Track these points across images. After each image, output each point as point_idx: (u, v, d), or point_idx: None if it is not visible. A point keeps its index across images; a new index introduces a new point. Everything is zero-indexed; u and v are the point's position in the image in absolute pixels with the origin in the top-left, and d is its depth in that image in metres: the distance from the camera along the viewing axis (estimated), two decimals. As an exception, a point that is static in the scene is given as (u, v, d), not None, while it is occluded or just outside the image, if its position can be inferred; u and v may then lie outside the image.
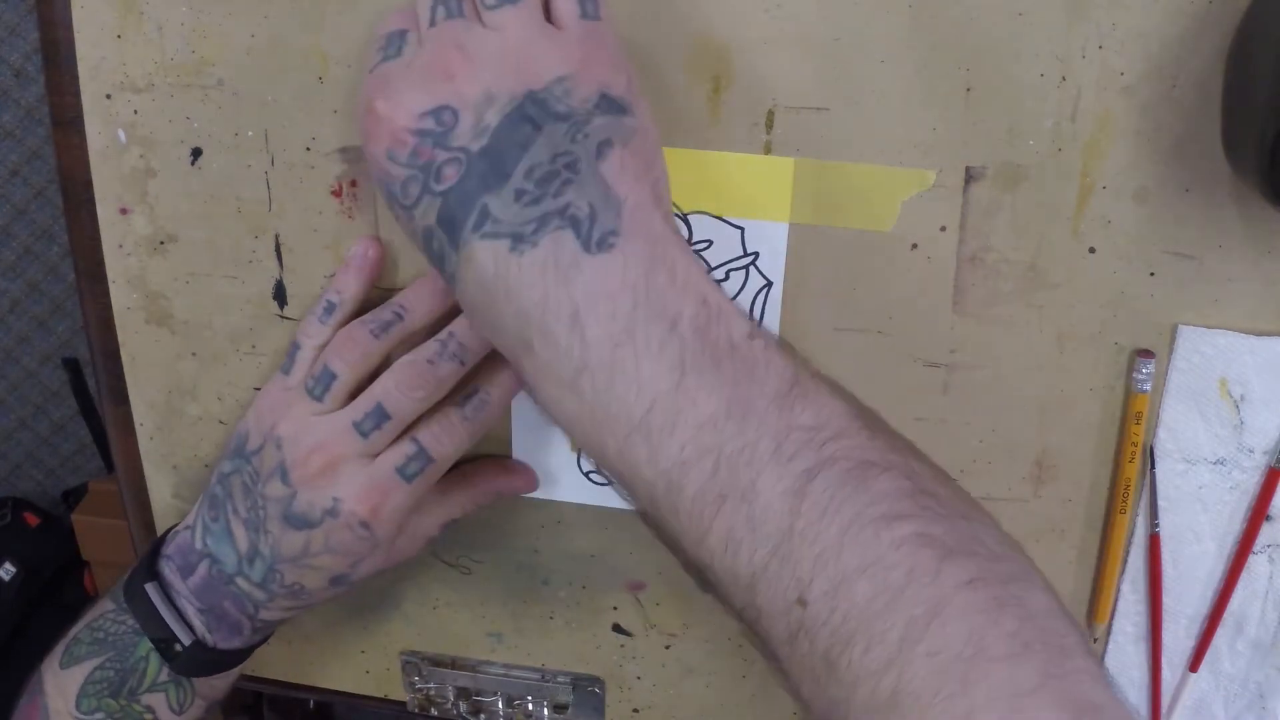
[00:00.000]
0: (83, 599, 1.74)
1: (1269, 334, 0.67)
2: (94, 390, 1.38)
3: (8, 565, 1.68)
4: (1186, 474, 0.71)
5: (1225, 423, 0.69)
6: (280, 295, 0.74)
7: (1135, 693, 0.78)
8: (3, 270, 1.70)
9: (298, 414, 0.66)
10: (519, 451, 0.76)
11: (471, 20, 0.56)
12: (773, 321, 0.70)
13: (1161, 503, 0.71)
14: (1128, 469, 0.70)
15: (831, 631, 0.47)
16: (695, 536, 0.52)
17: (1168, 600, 0.74)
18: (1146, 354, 0.68)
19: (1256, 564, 0.72)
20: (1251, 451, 0.70)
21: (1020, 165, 0.65)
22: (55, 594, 1.74)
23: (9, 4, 1.53)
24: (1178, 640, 0.76)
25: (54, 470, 1.92)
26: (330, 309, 0.68)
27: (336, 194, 0.71)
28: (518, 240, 0.52)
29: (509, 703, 0.85)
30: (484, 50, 0.54)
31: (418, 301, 0.68)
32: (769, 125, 0.66)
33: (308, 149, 0.70)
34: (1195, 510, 0.72)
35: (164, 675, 0.70)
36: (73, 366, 1.70)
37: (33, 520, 1.76)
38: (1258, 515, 0.71)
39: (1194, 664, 0.76)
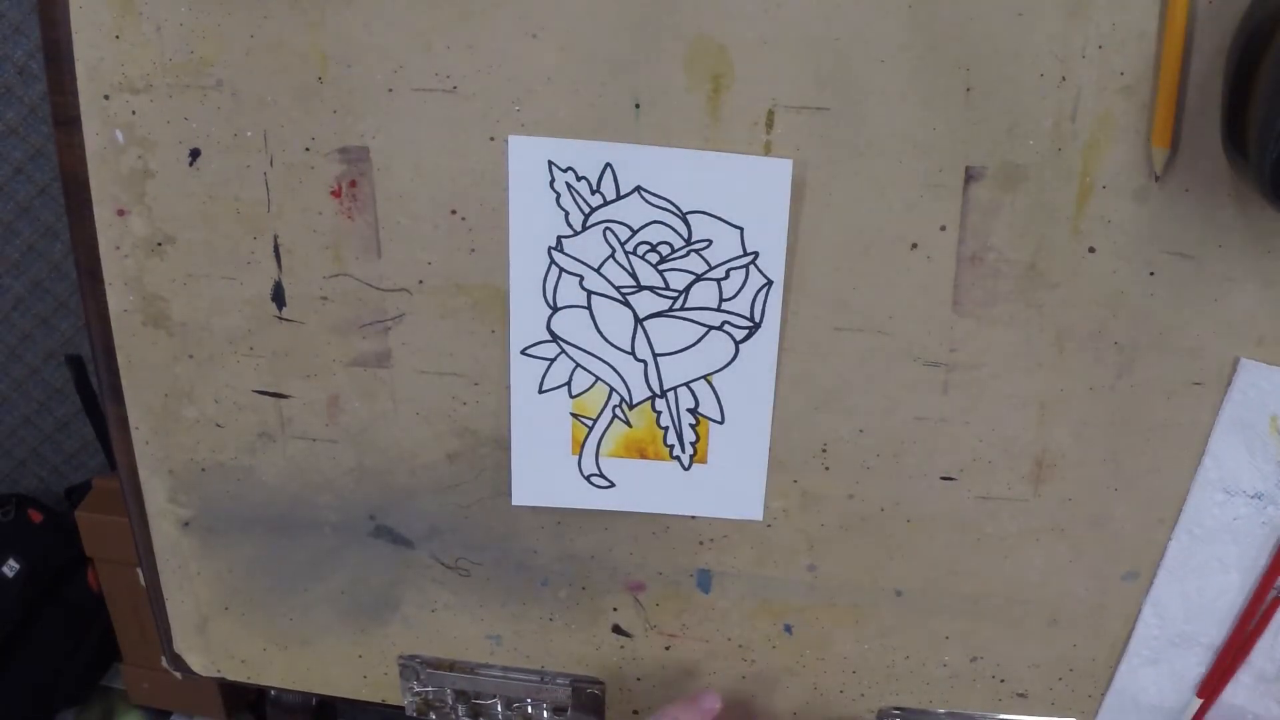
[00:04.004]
0: (86, 596, 1.74)
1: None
2: (97, 387, 1.38)
3: (11, 562, 1.68)
4: (1225, 505, 0.71)
5: (1270, 459, 0.69)
6: (279, 296, 0.74)
7: (1138, 713, 0.78)
8: (6, 267, 1.70)
9: None
10: (518, 453, 0.76)
11: None
12: (773, 321, 0.70)
13: (1195, 530, 0.72)
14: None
15: None
16: None
17: (1188, 627, 0.74)
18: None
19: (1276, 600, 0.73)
20: None
21: (1020, 165, 0.65)
22: (58, 591, 1.74)
23: (12, 1, 1.53)
24: (1189, 667, 0.76)
25: (57, 467, 1.92)
26: None
27: (336, 194, 0.71)
28: None
29: (508, 705, 0.85)
30: None
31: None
32: (769, 125, 0.66)
33: (307, 149, 0.70)
34: (1226, 541, 0.72)
35: None
36: (76, 364, 1.69)
37: (36, 517, 1.76)
38: (1284, 552, 0.71)
39: (1201, 689, 0.76)
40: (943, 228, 0.67)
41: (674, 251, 0.69)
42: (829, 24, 0.63)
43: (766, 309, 0.70)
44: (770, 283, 0.69)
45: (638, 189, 0.68)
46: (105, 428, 0.82)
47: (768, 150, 0.66)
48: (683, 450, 0.75)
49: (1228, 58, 0.60)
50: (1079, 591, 0.76)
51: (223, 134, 0.70)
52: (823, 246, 0.68)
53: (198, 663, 0.89)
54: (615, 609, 0.81)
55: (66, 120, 0.71)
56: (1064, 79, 0.62)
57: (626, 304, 0.71)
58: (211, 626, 0.87)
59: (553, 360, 0.73)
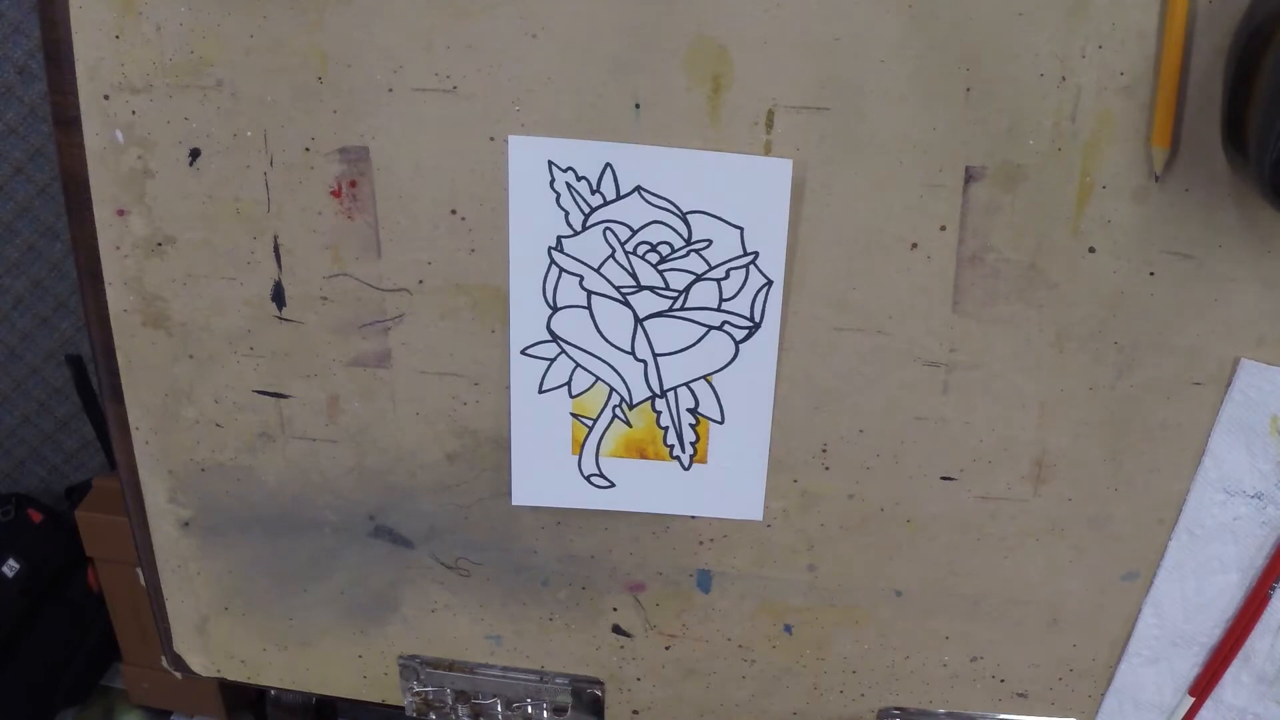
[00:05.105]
0: (86, 596, 1.74)
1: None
2: (97, 387, 1.38)
3: (11, 562, 1.68)
4: (1225, 505, 0.71)
5: (1270, 459, 0.69)
6: (279, 297, 0.74)
7: (1138, 713, 0.78)
8: (6, 267, 1.70)
9: None
10: (519, 453, 0.76)
11: None
12: (773, 321, 0.70)
13: (1195, 530, 0.72)
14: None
15: None
16: None
17: (1187, 627, 0.74)
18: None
19: (1271, 598, 0.73)
20: None
21: (1020, 165, 0.65)
22: (58, 590, 1.74)
23: (12, 1, 1.53)
24: (1189, 667, 0.76)
25: (57, 467, 1.92)
26: None
27: (336, 194, 0.71)
28: None
29: (508, 705, 0.85)
30: None
31: None
32: (769, 125, 0.66)
33: (307, 149, 0.70)
34: (1226, 540, 0.72)
35: None
36: (76, 363, 1.69)
37: (36, 516, 1.76)
38: (1282, 551, 0.71)
39: (1193, 688, 0.76)
40: (943, 228, 0.67)
41: (674, 251, 0.69)
42: (829, 24, 0.63)
43: (766, 309, 0.70)
44: (770, 283, 0.69)
45: (638, 189, 0.68)
46: (105, 428, 0.82)
47: (768, 150, 0.66)
48: (683, 450, 0.75)
49: (1228, 58, 0.60)
50: (1079, 591, 0.76)
51: (223, 134, 0.70)
52: (823, 246, 0.68)
53: (198, 663, 0.89)
54: (615, 609, 0.81)
55: (66, 120, 0.71)
56: (1064, 79, 0.62)
57: (626, 304, 0.71)
58: (211, 626, 0.87)
59: (553, 360, 0.73)
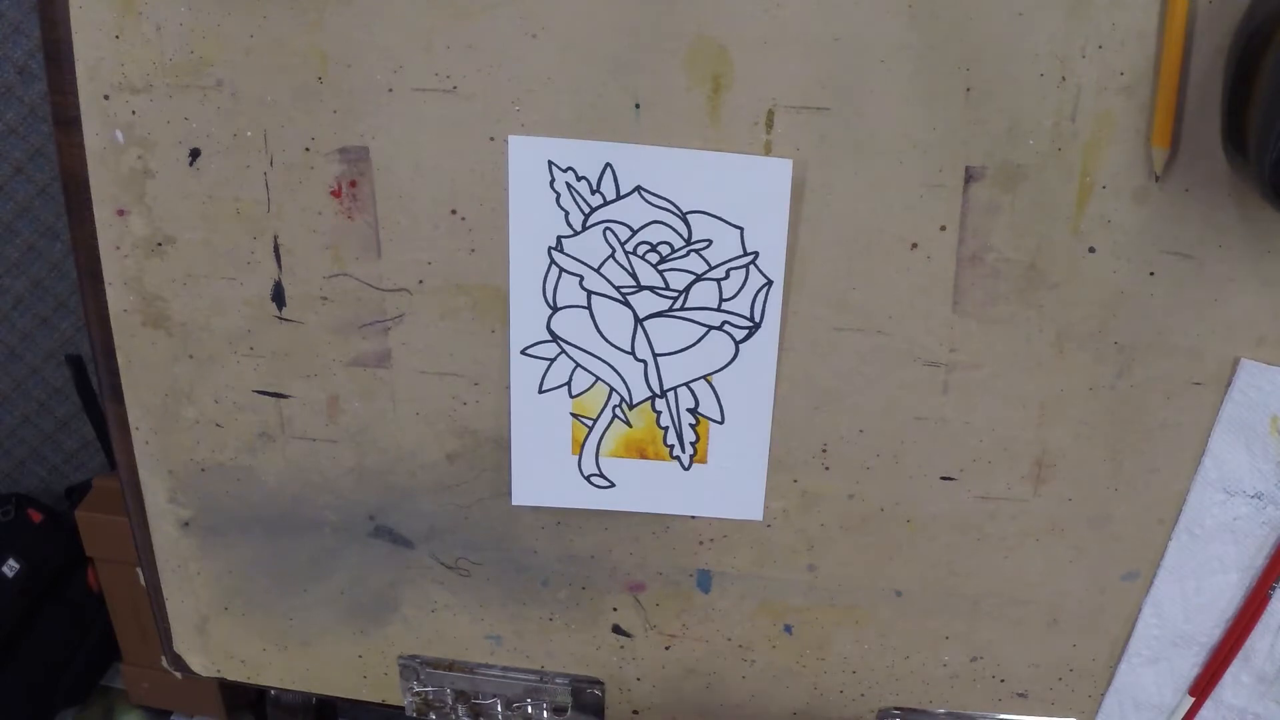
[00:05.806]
0: (86, 596, 1.74)
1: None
2: (97, 387, 1.38)
3: (11, 562, 1.68)
4: (1225, 505, 0.71)
5: (1270, 459, 0.69)
6: (279, 297, 0.74)
7: (1138, 713, 0.78)
8: (6, 267, 1.70)
9: None
10: (519, 453, 0.76)
11: None
12: (773, 321, 0.70)
13: (1195, 530, 0.71)
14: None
15: None
16: None
17: (1187, 627, 0.74)
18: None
19: (1271, 598, 0.73)
20: None
21: (1020, 165, 0.65)
22: (58, 590, 1.74)
23: (12, 1, 1.53)
24: (1189, 667, 0.76)
25: (57, 467, 1.92)
26: None
27: (336, 194, 0.71)
28: None
29: (508, 705, 0.85)
30: None
31: None
32: (769, 125, 0.66)
33: (307, 149, 0.70)
34: (1226, 540, 0.72)
35: None
36: (76, 363, 1.69)
37: (36, 516, 1.76)
38: (1282, 551, 0.71)
39: (1193, 688, 0.76)
40: (943, 228, 0.67)
41: (674, 251, 0.69)
42: (829, 24, 0.63)
43: (766, 309, 0.70)
44: (770, 283, 0.69)
45: (638, 189, 0.68)
46: (105, 428, 0.82)
47: (768, 150, 0.66)
48: (683, 450, 0.74)
49: (1228, 58, 0.60)
50: (1079, 591, 0.76)
51: (223, 134, 0.70)
52: (823, 246, 0.68)
53: (198, 663, 0.89)
54: (615, 609, 0.81)
55: (66, 120, 0.71)
56: (1064, 79, 0.62)
57: (626, 304, 0.71)
58: (211, 626, 0.87)
59: (553, 360, 0.73)
